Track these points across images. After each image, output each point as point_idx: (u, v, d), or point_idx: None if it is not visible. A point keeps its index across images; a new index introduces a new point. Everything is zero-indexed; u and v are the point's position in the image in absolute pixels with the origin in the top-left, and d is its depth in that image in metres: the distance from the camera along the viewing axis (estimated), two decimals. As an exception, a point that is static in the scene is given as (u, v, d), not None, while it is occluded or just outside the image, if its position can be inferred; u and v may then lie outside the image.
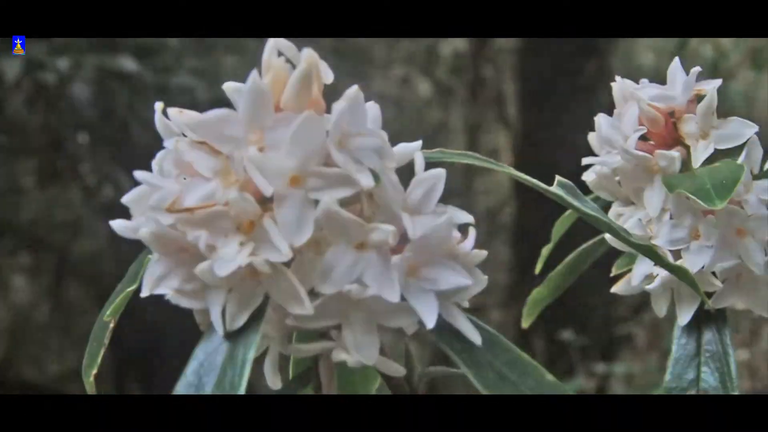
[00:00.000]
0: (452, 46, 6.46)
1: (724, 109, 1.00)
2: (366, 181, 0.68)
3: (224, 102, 0.72)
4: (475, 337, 0.72)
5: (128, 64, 4.17)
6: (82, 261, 4.98)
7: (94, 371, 0.79)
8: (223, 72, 4.60)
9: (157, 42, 4.43)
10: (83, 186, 4.56)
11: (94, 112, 4.37)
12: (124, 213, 0.75)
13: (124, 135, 4.38)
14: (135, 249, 0.81)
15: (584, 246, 1.08)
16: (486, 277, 0.75)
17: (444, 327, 0.73)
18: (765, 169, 1.01)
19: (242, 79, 0.72)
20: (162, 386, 0.78)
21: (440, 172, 0.73)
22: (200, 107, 0.71)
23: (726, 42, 4.08)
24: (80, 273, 4.97)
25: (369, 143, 0.70)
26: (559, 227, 1.11)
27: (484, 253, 0.74)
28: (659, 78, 1.02)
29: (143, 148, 4.18)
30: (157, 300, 0.72)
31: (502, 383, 0.72)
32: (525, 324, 1.16)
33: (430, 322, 0.68)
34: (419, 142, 0.76)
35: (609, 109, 1.02)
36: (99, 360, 0.78)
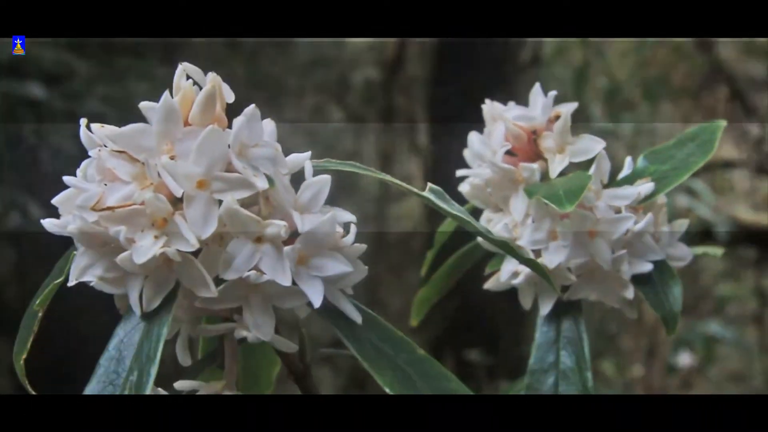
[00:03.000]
0: (363, 75, 6.64)
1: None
2: (261, 184, 0.82)
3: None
4: (356, 316, 0.87)
5: (36, 90, 4.22)
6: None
7: (24, 356, 0.90)
8: (134, 99, 4.65)
9: (65, 68, 4.49)
10: (-11, 213, 4.56)
11: (1, 138, 4.39)
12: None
13: (32, 161, 4.41)
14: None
15: (462, 249, 1.24)
16: (366, 267, 0.89)
17: (331, 310, 0.87)
18: (618, 179, 1.18)
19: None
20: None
21: (326, 178, 0.87)
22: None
23: (620, 74, 4.34)
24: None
25: (264, 153, 0.85)
26: (441, 234, 1.27)
27: (363, 246, 0.89)
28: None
29: (52, 174, 4.22)
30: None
31: (380, 357, 0.87)
32: (414, 323, 1.31)
33: (317, 302, 0.83)
34: (308, 153, 0.90)
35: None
36: (28, 346, 0.90)
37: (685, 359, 3.59)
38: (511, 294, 1.17)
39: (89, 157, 0.86)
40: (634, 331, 3.67)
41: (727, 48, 6.19)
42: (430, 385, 0.86)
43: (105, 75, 4.72)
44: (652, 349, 3.72)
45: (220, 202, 0.81)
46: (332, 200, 0.89)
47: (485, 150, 1.14)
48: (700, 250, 1.25)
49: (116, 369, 0.81)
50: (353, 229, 0.89)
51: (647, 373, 3.66)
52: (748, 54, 6.55)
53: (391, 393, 0.84)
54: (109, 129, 0.85)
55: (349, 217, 0.89)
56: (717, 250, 1.29)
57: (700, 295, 5.67)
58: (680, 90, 5.30)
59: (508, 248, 0.95)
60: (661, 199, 1.14)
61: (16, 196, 4.44)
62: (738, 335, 4.62)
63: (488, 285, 1.17)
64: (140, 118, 0.89)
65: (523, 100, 1.19)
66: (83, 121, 0.87)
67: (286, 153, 0.89)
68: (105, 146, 0.85)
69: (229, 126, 0.85)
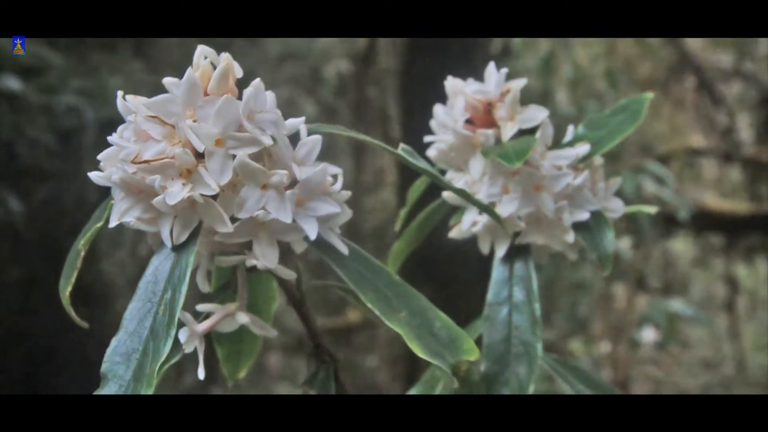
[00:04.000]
0: (335, 68, 6.86)
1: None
2: (267, 141, 1.06)
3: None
4: (343, 249, 1.11)
5: (12, 83, 4.41)
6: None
7: (69, 289, 1.13)
8: (109, 92, 4.85)
9: (41, 61, 4.68)
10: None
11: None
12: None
13: (9, 154, 4.60)
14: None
15: (431, 205, 1.48)
16: (351, 210, 1.14)
17: (323, 244, 1.11)
18: (562, 143, 1.42)
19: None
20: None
21: (318, 138, 1.11)
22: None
23: (586, 64, 4.61)
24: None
25: (268, 117, 1.09)
26: (413, 192, 1.51)
27: (348, 192, 1.13)
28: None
29: (29, 166, 4.43)
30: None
31: (363, 280, 1.11)
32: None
33: (312, 236, 1.07)
34: (303, 118, 1.14)
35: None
36: (73, 281, 1.13)
37: (648, 335, 3.86)
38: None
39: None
40: (602, 312, 3.93)
41: (694, 39, 6.47)
42: (404, 303, 1.11)
43: (79, 69, 4.90)
44: (619, 329, 3.98)
45: (234, 156, 1.05)
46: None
47: (448, 119, 1.38)
48: (634, 208, 1.50)
49: (153, 290, 1.04)
50: (340, 178, 1.13)
51: (614, 349, 3.93)
52: (715, 45, 6.84)
53: (373, 309, 1.08)
54: (143, 99, 1.08)
55: (336, 169, 1.13)
56: (650, 209, 1.54)
57: (671, 280, 5.96)
58: (649, 80, 5.58)
59: (467, 196, 1.19)
60: (598, 160, 1.39)
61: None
62: (707, 319, 4.89)
63: (452, 234, 1.41)
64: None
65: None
66: (120, 93, 1.11)
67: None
68: (137, 113, 1.08)
69: (239, 96, 1.09)
